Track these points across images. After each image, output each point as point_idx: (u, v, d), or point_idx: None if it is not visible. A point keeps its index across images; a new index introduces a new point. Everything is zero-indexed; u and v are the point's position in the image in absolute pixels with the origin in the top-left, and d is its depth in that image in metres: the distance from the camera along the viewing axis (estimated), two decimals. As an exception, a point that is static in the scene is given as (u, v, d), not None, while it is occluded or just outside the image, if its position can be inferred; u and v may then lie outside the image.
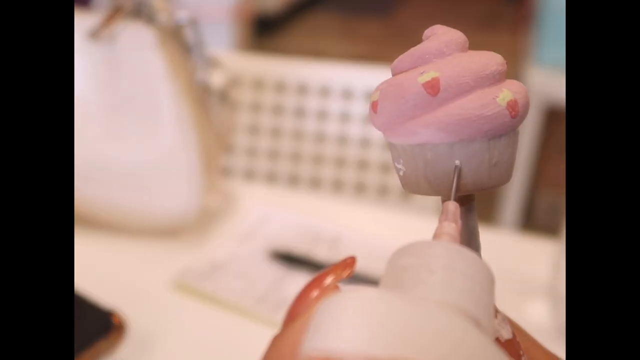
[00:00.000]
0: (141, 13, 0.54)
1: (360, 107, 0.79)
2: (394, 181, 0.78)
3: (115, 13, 0.53)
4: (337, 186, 0.80)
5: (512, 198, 1.30)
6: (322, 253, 0.54)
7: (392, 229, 0.60)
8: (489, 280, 0.17)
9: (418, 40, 0.22)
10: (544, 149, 1.33)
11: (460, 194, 0.21)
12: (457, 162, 0.21)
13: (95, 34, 0.52)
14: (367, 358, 0.13)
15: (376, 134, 0.78)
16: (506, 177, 0.21)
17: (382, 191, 0.79)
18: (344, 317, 0.15)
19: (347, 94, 0.79)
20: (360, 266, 0.40)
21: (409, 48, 0.22)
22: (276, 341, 0.17)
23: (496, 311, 0.20)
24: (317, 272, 0.20)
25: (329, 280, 0.19)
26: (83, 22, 0.53)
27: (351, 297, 0.15)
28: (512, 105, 0.20)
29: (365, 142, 0.79)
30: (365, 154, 0.79)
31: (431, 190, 0.21)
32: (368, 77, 0.80)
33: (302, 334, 0.16)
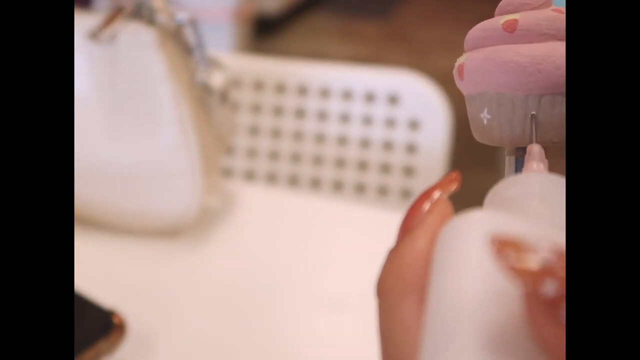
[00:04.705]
0: (141, 14, 0.54)
1: (360, 108, 0.79)
2: (394, 181, 0.78)
3: (116, 14, 0.53)
4: (337, 186, 0.80)
5: (512, 199, 1.30)
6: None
7: (392, 229, 0.60)
8: None
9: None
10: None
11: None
12: (533, 112, 0.21)
13: (95, 35, 0.52)
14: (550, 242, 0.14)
15: (376, 135, 0.78)
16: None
17: (382, 191, 0.79)
18: (482, 218, 0.16)
19: (347, 95, 0.79)
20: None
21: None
22: (393, 254, 0.18)
23: None
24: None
25: (437, 194, 0.20)
26: (83, 22, 0.53)
27: (475, 213, 0.16)
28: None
29: (365, 143, 0.79)
30: (365, 155, 0.79)
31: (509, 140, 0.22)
32: (368, 78, 0.80)
33: (420, 244, 0.17)
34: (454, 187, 0.20)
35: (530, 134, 0.21)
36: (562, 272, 0.13)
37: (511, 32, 0.21)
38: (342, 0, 3.19)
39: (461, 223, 0.16)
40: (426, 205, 0.19)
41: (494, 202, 0.19)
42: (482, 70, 0.21)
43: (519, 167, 0.22)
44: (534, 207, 0.18)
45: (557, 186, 0.18)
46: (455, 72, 0.22)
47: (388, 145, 0.78)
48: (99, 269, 0.51)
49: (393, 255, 0.18)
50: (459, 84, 0.22)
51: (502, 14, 0.22)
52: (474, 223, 0.16)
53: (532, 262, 0.13)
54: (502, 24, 0.21)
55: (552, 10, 0.22)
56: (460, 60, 0.22)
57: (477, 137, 0.23)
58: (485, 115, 0.22)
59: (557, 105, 0.21)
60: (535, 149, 0.20)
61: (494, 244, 0.14)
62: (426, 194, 0.20)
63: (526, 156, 0.21)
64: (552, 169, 0.22)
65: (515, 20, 0.21)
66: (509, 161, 0.22)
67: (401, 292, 0.17)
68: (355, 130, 0.79)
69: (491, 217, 0.16)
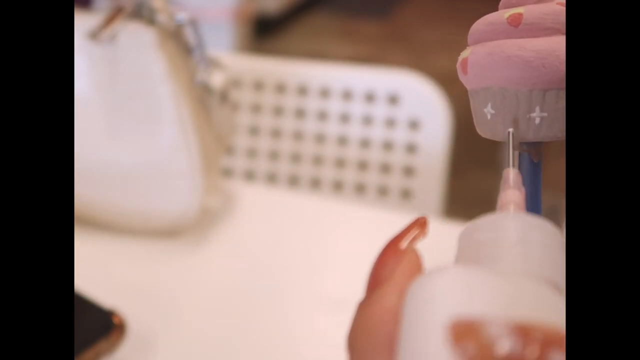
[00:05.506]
0: (141, 14, 0.54)
1: (360, 108, 0.79)
2: (394, 181, 0.78)
3: (116, 14, 0.53)
4: (337, 186, 0.80)
5: (512, 199, 1.29)
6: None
7: (392, 229, 0.60)
8: (561, 243, 0.18)
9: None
10: (543, 150, 1.33)
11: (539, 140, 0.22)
12: (511, 129, 0.21)
13: (95, 35, 0.52)
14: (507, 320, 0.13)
15: (376, 135, 0.78)
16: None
17: (382, 191, 0.79)
18: (446, 290, 0.15)
19: (347, 95, 0.79)
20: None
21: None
22: (363, 309, 0.17)
23: None
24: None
25: (404, 243, 0.19)
26: (83, 22, 0.53)
27: (442, 274, 0.16)
28: None
29: (365, 143, 0.79)
30: (365, 155, 0.79)
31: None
32: (368, 78, 0.80)
33: (390, 300, 0.17)
34: (422, 234, 0.19)
35: (509, 152, 0.21)
36: (527, 356, 0.13)
37: (516, 26, 0.21)
38: (342, 0, 3.19)
39: (427, 286, 0.16)
40: (393, 257, 0.19)
41: (467, 246, 0.18)
42: (486, 64, 0.21)
43: (522, 162, 0.22)
44: (507, 254, 0.17)
45: (530, 229, 0.18)
46: (458, 66, 0.22)
47: (388, 145, 0.78)
48: (99, 269, 0.51)
49: (363, 310, 0.18)
50: (463, 78, 0.22)
51: (506, 7, 0.22)
52: (439, 291, 0.15)
53: (492, 353, 0.13)
54: (507, 18, 0.21)
55: (557, 3, 0.21)
56: (463, 54, 0.22)
57: (481, 131, 0.22)
58: (489, 110, 0.21)
59: (562, 100, 0.21)
60: (510, 175, 0.20)
61: (453, 330, 0.14)
62: (393, 244, 0.19)
63: (501, 183, 0.20)
64: (552, 168, 0.21)
65: (520, 14, 0.21)
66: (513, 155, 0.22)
67: (372, 350, 0.17)
68: (355, 130, 0.79)
69: (458, 280, 0.16)
